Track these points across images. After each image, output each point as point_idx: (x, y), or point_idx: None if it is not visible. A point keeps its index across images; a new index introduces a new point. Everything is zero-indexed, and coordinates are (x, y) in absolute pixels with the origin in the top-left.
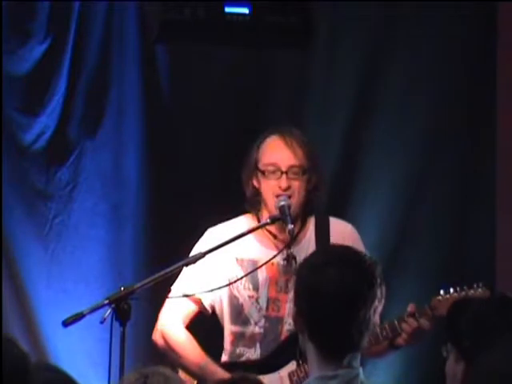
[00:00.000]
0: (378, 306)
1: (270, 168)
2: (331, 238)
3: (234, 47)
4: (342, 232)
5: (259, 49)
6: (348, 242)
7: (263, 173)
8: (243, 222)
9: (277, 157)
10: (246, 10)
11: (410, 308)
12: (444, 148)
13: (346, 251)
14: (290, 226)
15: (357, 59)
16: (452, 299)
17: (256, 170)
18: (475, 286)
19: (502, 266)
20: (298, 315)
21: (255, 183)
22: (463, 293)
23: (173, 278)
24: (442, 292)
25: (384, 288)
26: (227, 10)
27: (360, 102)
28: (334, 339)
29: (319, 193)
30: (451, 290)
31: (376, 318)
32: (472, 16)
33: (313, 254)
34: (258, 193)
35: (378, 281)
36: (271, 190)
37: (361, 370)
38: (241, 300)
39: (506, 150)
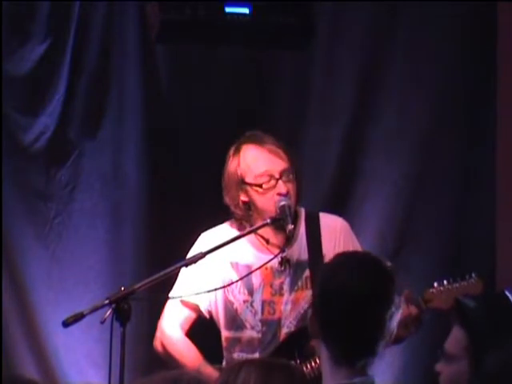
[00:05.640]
0: (395, 312)
1: (264, 178)
2: (322, 234)
3: (234, 47)
4: (332, 227)
5: (259, 49)
6: (339, 236)
7: (259, 186)
8: (234, 226)
9: (265, 166)
10: (246, 10)
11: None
12: (444, 148)
13: (365, 256)
14: (291, 226)
15: (357, 59)
16: (445, 291)
17: (243, 185)
18: (467, 277)
19: (503, 266)
20: (314, 317)
21: (244, 199)
22: (456, 284)
23: (173, 278)
24: (435, 284)
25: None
26: (227, 10)
27: (360, 102)
28: (347, 343)
29: (301, 188)
30: (445, 282)
31: (393, 325)
32: (472, 16)
33: (333, 258)
34: (249, 208)
35: (397, 287)
36: (269, 200)
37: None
38: (235, 305)
39: (506, 149)
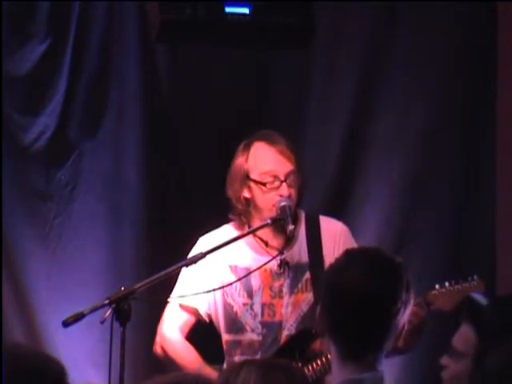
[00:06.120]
0: (402, 308)
1: (269, 178)
2: (322, 237)
3: (234, 47)
4: (333, 230)
5: (259, 49)
6: (339, 239)
7: (263, 184)
8: (233, 229)
9: (272, 165)
10: (246, 10)
11: None
12: (444, 148)
13: (372, 253)
14: (291, 227)
15: (357, 59)
16: (447, 293)
17: (248, 181)
18: (470, 278)
19: (503, 266)
20: (321, 314)
21: (247, 195)
22: (458, 286)
23: (173, 278)
24: (437, 286)
25: (412, 292)
26: (227, 10)
27: (360, 102)
28: (353, 340)
29: (304, 192)
30: (446, 284)
31: (400, 321)
32: (472, 16)
33: (340, 256)
34: (249, 204)
35: (404, 283)
36: (270, 200)
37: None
38: (235, 308)
39: (506, 149)
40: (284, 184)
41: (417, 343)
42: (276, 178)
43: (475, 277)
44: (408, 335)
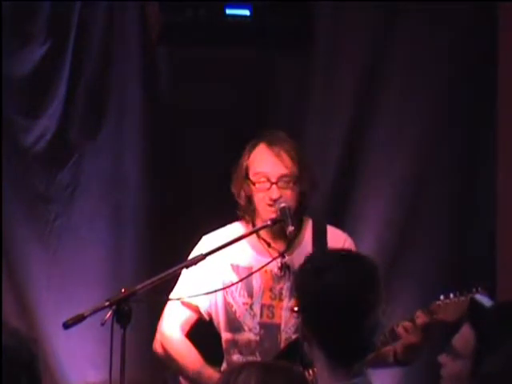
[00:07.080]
0: (387, 308)
1: (260, 179)
2: (329, 243)
3: (234, 49)
4: (337, 239)
5: (260, 51)
6: (343, 247)
7: (254, 184)
8: (237, 228)
9: (265, 167)
10: (246, 12)
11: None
12: (444, 149)
13: (344, 254)
14: (291, 228)
15: (357, 61)
16: (451, 304)
17: (246, 179)
18: (474, 289)
19: (503, 268)
20: (304, 324)
21: (247, 192)
22: (462, 298)
23: (174, 280)
24: (441, 297)
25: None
26: (228, 12)
27: (360, 104)
28: (343, 346)
29: (310, 198)
30: (451, 295)
31: (384, 321)
32: (472, 16)
33: (311, 259)
34: (250, 201)
35: (380, 282)
36: (262, 200)
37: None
38: (235, 307)
39: (506, 149)
40: (274, 186)
41: (418, 357)
42: (267, 179)
43: (479, 288)
44: (409, 350)
